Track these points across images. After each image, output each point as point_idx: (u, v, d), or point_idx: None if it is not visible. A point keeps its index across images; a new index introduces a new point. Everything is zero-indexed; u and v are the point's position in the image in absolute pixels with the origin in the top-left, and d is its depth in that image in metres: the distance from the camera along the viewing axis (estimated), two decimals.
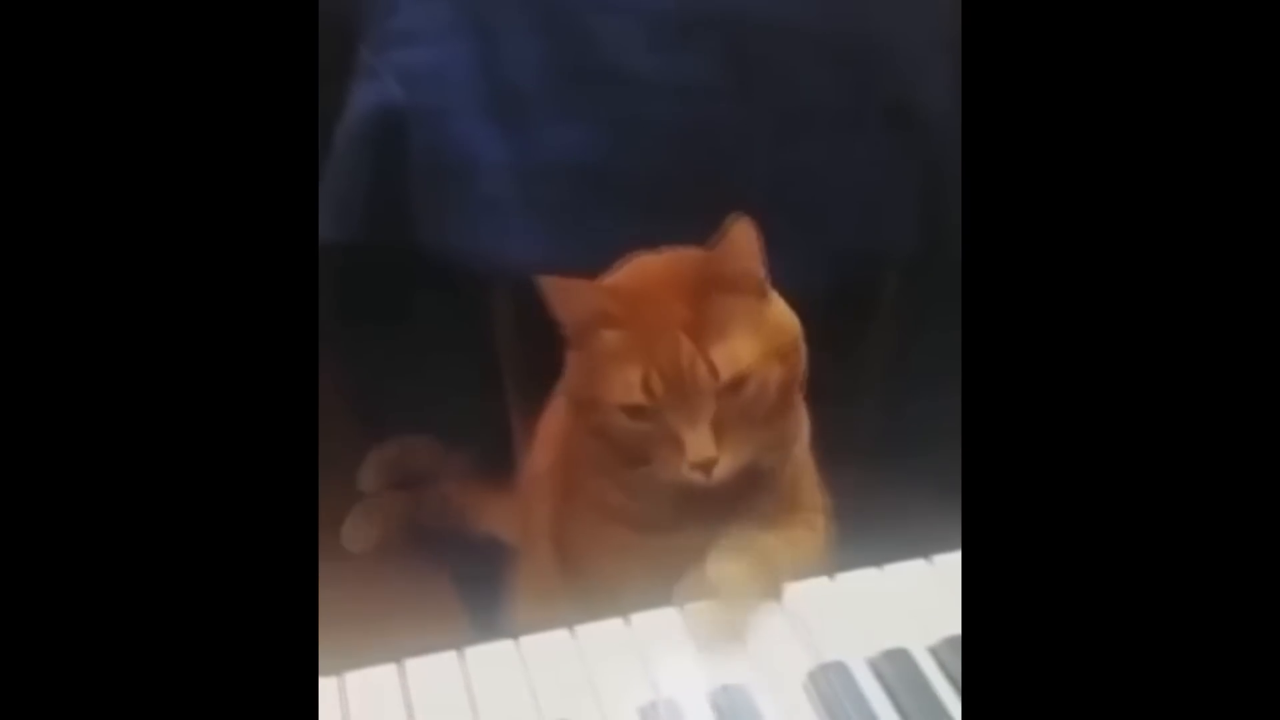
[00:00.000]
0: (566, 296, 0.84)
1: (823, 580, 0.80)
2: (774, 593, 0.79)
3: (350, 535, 1.19)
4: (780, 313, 0.87)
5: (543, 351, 1.02)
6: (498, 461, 1.11)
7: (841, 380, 1.25)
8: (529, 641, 0.75)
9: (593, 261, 0.96)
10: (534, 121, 1.13)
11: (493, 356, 1.20)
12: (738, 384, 0.82)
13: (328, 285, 0.60)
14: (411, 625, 0.78)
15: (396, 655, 0.75)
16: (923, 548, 0.81)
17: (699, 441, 0.82)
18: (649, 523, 0.89)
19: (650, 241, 0.92)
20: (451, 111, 1.12)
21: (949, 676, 0.72)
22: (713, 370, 0.81)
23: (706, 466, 0.82)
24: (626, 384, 0.82)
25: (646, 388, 0.82)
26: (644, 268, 0.89)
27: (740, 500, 0.87)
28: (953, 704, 0.71)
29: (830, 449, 0.94)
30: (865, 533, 0.84)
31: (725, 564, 0.81)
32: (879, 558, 0.81)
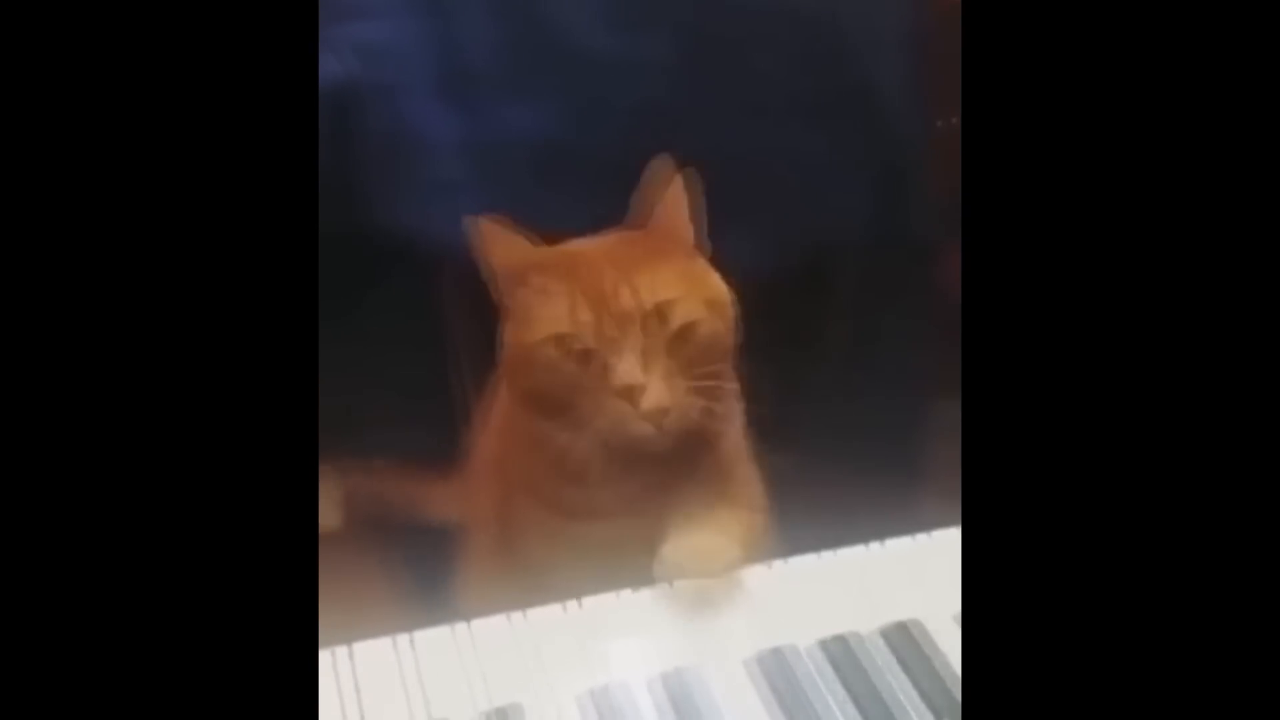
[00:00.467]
0: (501, 243, 0.86)
1: (774, 564, 0.80)
2: (740, 562, 0.79)
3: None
4: (711, 273, 0.88)
5: (495, 335, 1.02)
6: (447, 446, 1.10)
7: (794, 365, 1.25)
8: (479, 625, 0.75)
9: (549, 242, 0.96)
10: (490, 100, 1.12)
11: (444, 339, 1.19)
12: (663, 312, 0.82)
13: None
14: (359, 609, 0.78)
15: (345, 639, 0.74)
16: (873, 533, 0.82)
17: (627, 367, 0.81)
18: (581, 503, 0.88)
19: (606, 221, 0.92)
20: (406, 88, 1.11)
21: (897, 659, 0.73)
22: (636, 295, 0.82)
23: (634, 394, 0.81)
24: (554, 316, 0.83)
25: (573, 316, 0.82)
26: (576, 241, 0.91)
27: (673, 474, 0.87)
28: (900, 686, 0.71)
29: (780, 435, 0.94)
30: (815, 517, 0.84)
31: (692, 536, 0.82)
32: (829, 542, 0.81)
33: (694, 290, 0.84)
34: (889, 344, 1.12)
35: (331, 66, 1.09)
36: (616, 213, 0.91)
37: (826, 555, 0.81)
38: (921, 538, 0.82)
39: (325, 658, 0.73)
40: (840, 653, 0.73)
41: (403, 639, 0.74)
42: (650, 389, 0.81)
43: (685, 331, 0.83)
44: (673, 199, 0.86)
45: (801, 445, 1.11)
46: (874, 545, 0.81)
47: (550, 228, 0.92)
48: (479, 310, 0.90)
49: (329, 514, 1.18)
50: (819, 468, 0.84)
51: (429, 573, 1.04)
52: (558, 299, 0.83)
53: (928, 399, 1.19)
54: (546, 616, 0.76)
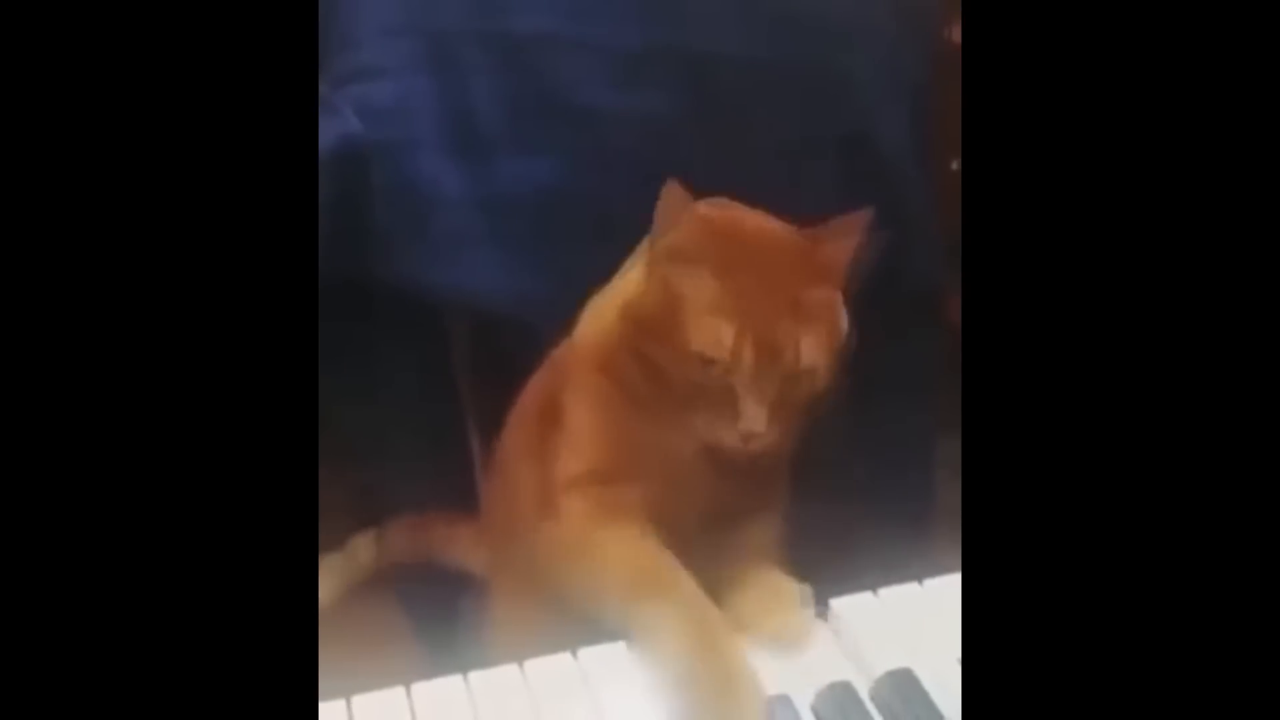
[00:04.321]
0: (680, 212, 0.85)
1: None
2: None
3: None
4: (844, 317, 0.88)
5: (502, 384, 1.02)
6: (460, 492, 1.10)
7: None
8: (532, 666, 0.75)
9: (556, 293, 0.97)
10: (496, 155, 1.13)
11: (452, 390, 1.19)
12: (808, 374, 0.84)
13: None
14: (386, 657, 0.77)
15: (376, 685, 0.73)
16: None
17: (756, 415, 0.83)
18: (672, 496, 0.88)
19: (613, 274, 0.93)
20: (412, 145, 1.12)
21: (950, 699, 0.72)
22: (796, 357, 0.83)
23: (752, 439, 0.83)
24: (717, 339, 0.82)
25: (737, 351, 0.82)
26: (746, 225, 0.90)
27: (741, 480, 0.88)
28: None
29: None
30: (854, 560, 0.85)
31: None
32: (872, 583, 0.82)
33: (834, 344, 0.86)
34: (895, 386, 1.13)
35: (339, 127, 1.10)
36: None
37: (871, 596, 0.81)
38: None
39: (367, 704, 0.73)
40: (892, 691, 0.73)
41: (458, 680, 0.74)
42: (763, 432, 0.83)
43: (812, 388, 0.85)
44: (851, 238, 0.87)
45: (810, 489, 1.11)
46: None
47: (558, 278, 0.92)
48: (488, 360, 0.91)
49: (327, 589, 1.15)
50: (854, 511, 0.84)
51: (466, 618, 1.04)
52: (725, 323, 0.82)
53: (935, 441, 1.20)
54: (603, 655, 0.76)
